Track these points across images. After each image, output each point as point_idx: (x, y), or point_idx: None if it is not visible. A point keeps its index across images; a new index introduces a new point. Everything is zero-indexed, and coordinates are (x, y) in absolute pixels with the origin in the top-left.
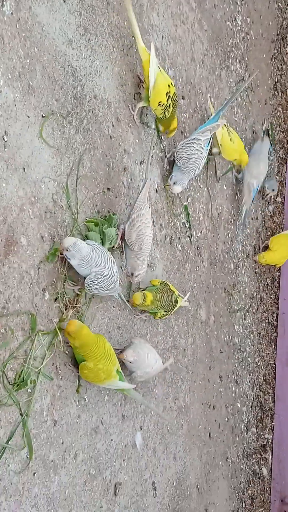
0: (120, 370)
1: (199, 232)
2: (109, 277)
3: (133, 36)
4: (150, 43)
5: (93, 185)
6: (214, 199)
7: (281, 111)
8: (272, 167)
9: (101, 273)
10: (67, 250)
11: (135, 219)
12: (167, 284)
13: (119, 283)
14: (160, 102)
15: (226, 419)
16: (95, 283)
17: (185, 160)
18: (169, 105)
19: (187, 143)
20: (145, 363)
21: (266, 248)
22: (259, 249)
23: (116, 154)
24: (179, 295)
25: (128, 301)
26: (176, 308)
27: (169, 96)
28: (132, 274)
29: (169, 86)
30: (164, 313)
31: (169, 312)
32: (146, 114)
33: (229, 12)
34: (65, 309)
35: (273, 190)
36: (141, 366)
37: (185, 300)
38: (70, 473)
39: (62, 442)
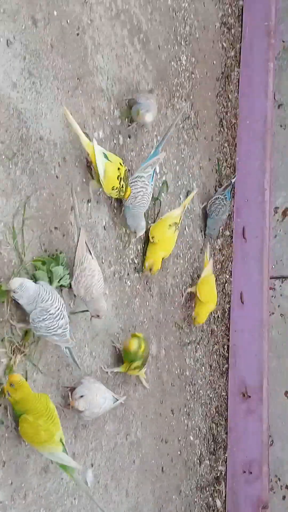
0: (63, 441)
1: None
2: (56, 317)
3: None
4: (92, 138)
5: (40, 225)
6: None
7: (227, 147)
8: (223, 209)
9: (47, 309)
10: (14, 292)
11: (79, 275)
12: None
13: (71, 338)
14: (113, 187)
15: (179, 452)
16: (40, 319)
17: (132, 199)
18: (122, 186)
19: (131, 183)
20: (93, 404)
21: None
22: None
23: (63, 194)
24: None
25: (75, 362)
26: (142, 371)
27: (120, 178)
28: (98, 316)
29: (118, 169)
30: (140, 365)
31: (142, 367)
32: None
33: (174, 52)
34: (13, 354)
35: (212, 236)
36: (90, 407)
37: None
38: None
39: (11, 483)
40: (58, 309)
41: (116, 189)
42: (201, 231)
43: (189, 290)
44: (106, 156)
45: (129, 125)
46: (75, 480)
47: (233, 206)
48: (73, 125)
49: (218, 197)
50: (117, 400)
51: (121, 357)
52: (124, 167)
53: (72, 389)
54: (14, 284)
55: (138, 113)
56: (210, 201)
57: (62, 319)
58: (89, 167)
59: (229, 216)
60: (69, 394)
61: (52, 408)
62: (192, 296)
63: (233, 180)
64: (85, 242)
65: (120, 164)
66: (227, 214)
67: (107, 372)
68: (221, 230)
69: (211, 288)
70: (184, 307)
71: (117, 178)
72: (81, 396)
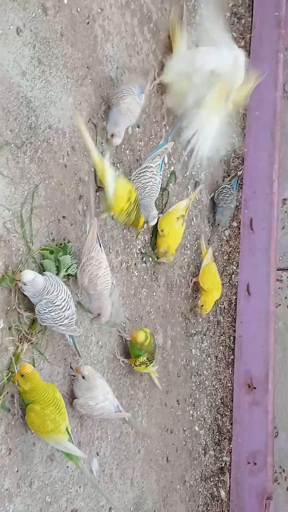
0: (69, 430)
1: (155, 258)
2: (62, 308)
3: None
4: (105, 155)
5: (48, 214)
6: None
7: (236, 138)
8: (230, 198)
9: (52, 301)
10: (25, 284)
11: (85, 263)
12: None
13: (78, 326)
14: (122, 208)
15: (184, 442)
16: (46, 311)
17: (141, 190)
18: (132, 210)
19: (140, 173)
20: (90, 394)
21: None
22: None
23: (72, 183)
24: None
25: (77, 350)
26: (150, 369)
27: (130, 202)
28: (99, 315)
29: (129, 191)
30: (145, 360)
31: (148, 363)
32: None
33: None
34: (20, 342)
35: (224, 227)
36: (85, 394)
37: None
38: (25, 501)
39: (17, 470)
40: (64, 300)
41: (125, 212)
42: (209, 221)
43: (194, 280)
44: (117, 178)
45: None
46: (80, 469)
47: (241, 198)
48: (85, 138)
49: (225, 187)
50: (120, 411)
51: (127, 347)
52: (135, 194)
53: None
54: (27, 277)
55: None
56: (217, 191)
57: (68, 309)
58: (99, 190)
59: (237, 208)
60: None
61: (59, 398)
62: (198, 286)
63: (239, 172)
64: (97, 233)
65: (132, 189)
66: (235, 204)
67: (118, 360)
68: (229, 222)
69: (214, 276)
70: (191, 298)
71: (127, 201)
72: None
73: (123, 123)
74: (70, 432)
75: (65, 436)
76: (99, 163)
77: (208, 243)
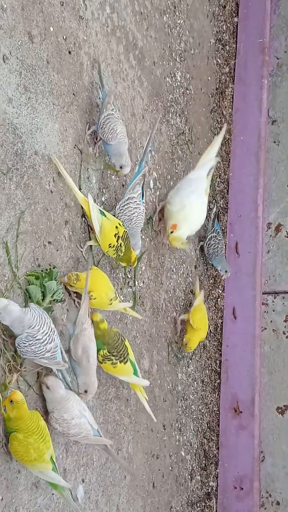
0: (54, 458)
1: (141, 282)
2: (43, 342)
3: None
4: (88, 194)
5: (34, 239)
6: (156, 249)
7: (221, 163)
8: (220, 246)
9: (33, 335)
10: None
11: (79, 334)
12: (124, 338)
13: (64, 360)
14: (110, 244)
15: (170, 468)
16: (26, 345)
17: (128, 222)
18: (120, 245)
19: (124, 206)
20: (63, 406)
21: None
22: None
23: (57, 208)
24: (134, 366)
25: (68, 384)
26: (125, 372)
27: (118, 236)
28: (85, 391)
29: (116, 227)
30: (107, 354)
31: (113, 359)
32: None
33: (169, 68)
34: (9, 372)
35: (226, 271)
36: (57, 406)
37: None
38: None
39: (1, 498)
40: (46, 334)
41: (113, 247)
42: (195, 249)
43: (182, 317)
44: (103, 213)
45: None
46: (64, 498)
47: (226, 221)
48: (66, 178)
49: (211, 237)
50: (100, 435)
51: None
52: (123, 228)
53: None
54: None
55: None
56: (205, 244)
57: (50, 343)
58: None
59: (222, 232)
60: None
61: (43, 426)
62: (184, 324)
63: (214, 210)
64: (89, 307)
65: (119, 224)
66: (224, 243)
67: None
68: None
69: (203, 316)
70: (176, 321)
71: (115, 236)
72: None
73: (124, 150)
74: (54, 461)
75: (49, 465)
76: (83, 202)
77: (200, 286)
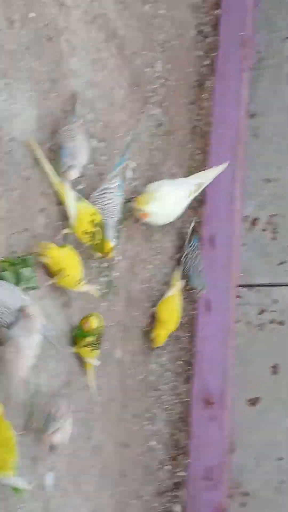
0: (17, 464)
1: (116, 272)
2: None
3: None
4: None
5: (9, 226)
6: (131, 239)
7: (200, 155)
8: (196, 262)
9: None
10: None
11: None
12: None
13: None
14: (85, 231)
15: (140, 457)
16: None
17: (102, 212)
18: (96, 232)
19: (98, 196)
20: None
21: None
22: None
23: (34, 195)
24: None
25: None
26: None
27: (94, 223)
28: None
29: (92, 214)
30: (93, 341)
31: (96, 346)
32: None
33: (149, 58)
34: None
35: (201, 289)
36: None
37: None
38: None
39: None
40: None
41: (88, 234)
42: (171, 240)
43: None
44: (79, 200)
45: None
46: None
47: (203, 214)
48: (42, 162)
49: (187, 253)
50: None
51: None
52: (98, 216)
53: None
54: None
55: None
56: (182, 259)
57: None
58: None
59: (198, 223)
60: None
61: (10, 436)
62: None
63: (192, 225)
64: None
65: (95, 212)
66: (200, 258)
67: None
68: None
69: (174, 309)
70: (151, 313)
71: (90, 223)
72: None
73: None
74: (17, 467)
75: (12, 471)
76: (58, 185)
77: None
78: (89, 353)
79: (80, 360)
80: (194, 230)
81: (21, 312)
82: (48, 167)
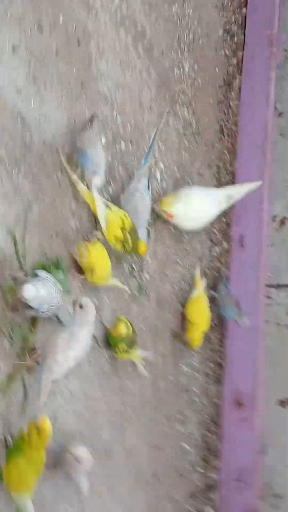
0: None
1: (146, 274)
2: None
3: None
4: (91, 187)
5: (41, 230)
6: (161, 240)
7: (227, 154)
8: (229, 299)
9: None
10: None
11: None
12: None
13: None
14: (116, 237)
15: (172, 460)
16: None
17: (134, 214)
18: (127, 239)
19: (128, 197)
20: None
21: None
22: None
23: (65, 200)
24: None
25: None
26: (134, 354)
27: (125, 230)
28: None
29: (122, 220)
30: (125, 347)
31: (129, 349)
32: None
33: (177, 59)
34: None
35: (240, 320)
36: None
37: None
38: None
39: None
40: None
41: (119, 240)
42: (200, 241)
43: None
44: (108, 207)
45: None
46: None
47: (232, 214)
48: (69, 173)
49: (219, 292)
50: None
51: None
52: (128, 220)
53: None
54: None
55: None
56: (216, 299)
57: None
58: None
59: (228, 224)
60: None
61: (42, 458)
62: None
63: (224, 277)
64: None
65: (124, 216)
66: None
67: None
68: (219, 238)
69: (201, 308)
70: (182, 314)
71: (120, 229)
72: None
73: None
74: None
75: (28, 494)
76: (87, 195)
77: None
78: (127, 356)
79: (112, 363)
80: (222, 275)
81: (76, 304)
82: (74, 177)
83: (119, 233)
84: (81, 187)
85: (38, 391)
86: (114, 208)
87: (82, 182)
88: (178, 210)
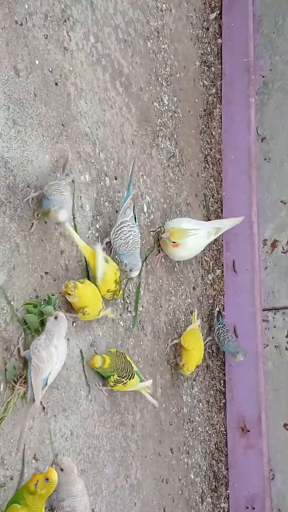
0: None
1: (140, 306)
2: None
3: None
4: (96, 248)
5: (30, 270)
6: (153, 272)
7: (213, 183)
8: (229, 335)
9: None
10: None
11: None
12: (124, 354)
13: None
14: (109, 289)
15: (180, 492)
16: None
17: (125, 246)
18: (118, 289)
19: (118, 230)
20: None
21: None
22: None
23: (52, 238)
24: (138, 374)
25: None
26: (133, 385)
27: (117, 282)
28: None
29: (115, 273)
30: (118, 378)
31: (123, 380)
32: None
33: (156, 93)
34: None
35: (238, 353)
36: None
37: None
38: None
39: None
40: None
41: (111, 292)
42: (192, 270)
43: (174, 342)
44: (107, 261)
45: None
46: None
47: (222, 240)
48: (69, 231)
49: (218, 328)
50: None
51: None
52: (119, 273)
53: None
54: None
55: (49, 211)
56: (214, 335)
57: None
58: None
59: (219, 251)
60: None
61: (42, 509)
62: (179, 348)
63: (216, 309)
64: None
65: (116, 269)
66: (231, 333)
67: (100, 390)
68: (212, 265)
69: (196, 338)
70: (179, 344)
71: (114, 282)
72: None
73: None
74: None
75: None
76: (86, 249)
77: (199, 308)
78: (122, 387)
79: (111, 399)
80: (219, 313)
81: (52, 316)
82: (76, 237)
83: (112, 286)
84: (79, 241)
85: (32, 392)
86: (109, 259)
87: (47, 217)
88: (184, 242)
